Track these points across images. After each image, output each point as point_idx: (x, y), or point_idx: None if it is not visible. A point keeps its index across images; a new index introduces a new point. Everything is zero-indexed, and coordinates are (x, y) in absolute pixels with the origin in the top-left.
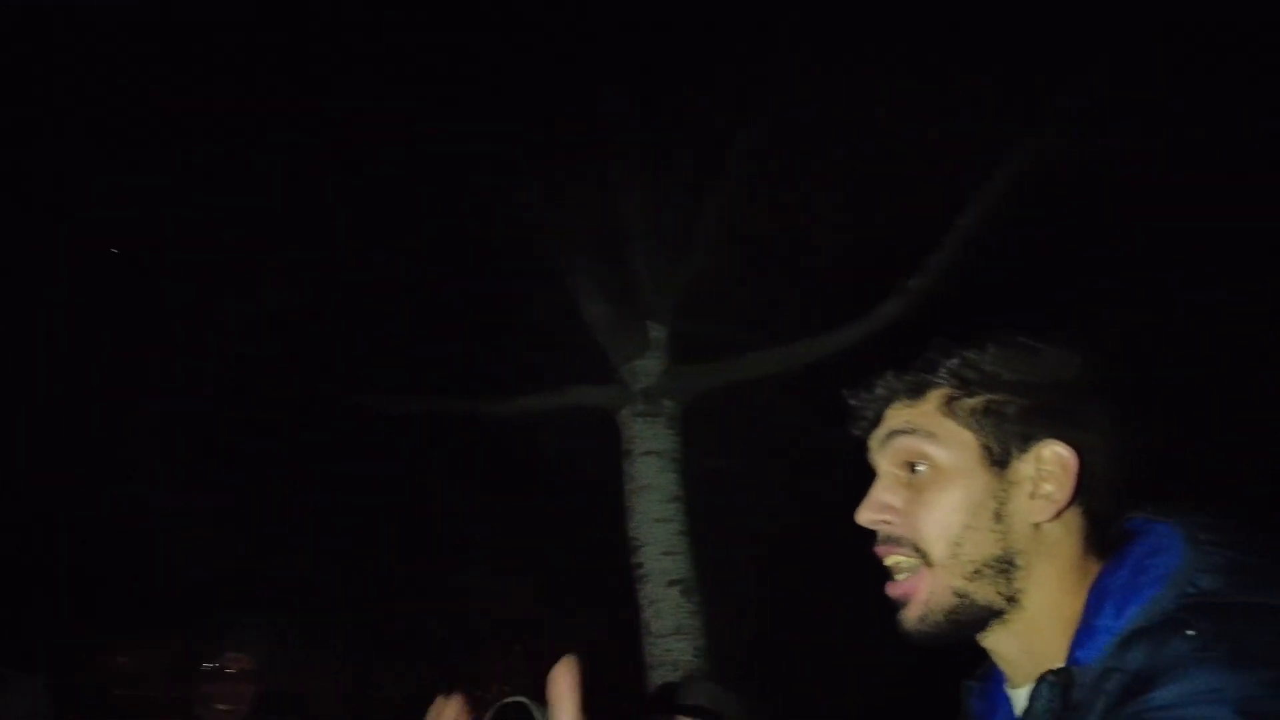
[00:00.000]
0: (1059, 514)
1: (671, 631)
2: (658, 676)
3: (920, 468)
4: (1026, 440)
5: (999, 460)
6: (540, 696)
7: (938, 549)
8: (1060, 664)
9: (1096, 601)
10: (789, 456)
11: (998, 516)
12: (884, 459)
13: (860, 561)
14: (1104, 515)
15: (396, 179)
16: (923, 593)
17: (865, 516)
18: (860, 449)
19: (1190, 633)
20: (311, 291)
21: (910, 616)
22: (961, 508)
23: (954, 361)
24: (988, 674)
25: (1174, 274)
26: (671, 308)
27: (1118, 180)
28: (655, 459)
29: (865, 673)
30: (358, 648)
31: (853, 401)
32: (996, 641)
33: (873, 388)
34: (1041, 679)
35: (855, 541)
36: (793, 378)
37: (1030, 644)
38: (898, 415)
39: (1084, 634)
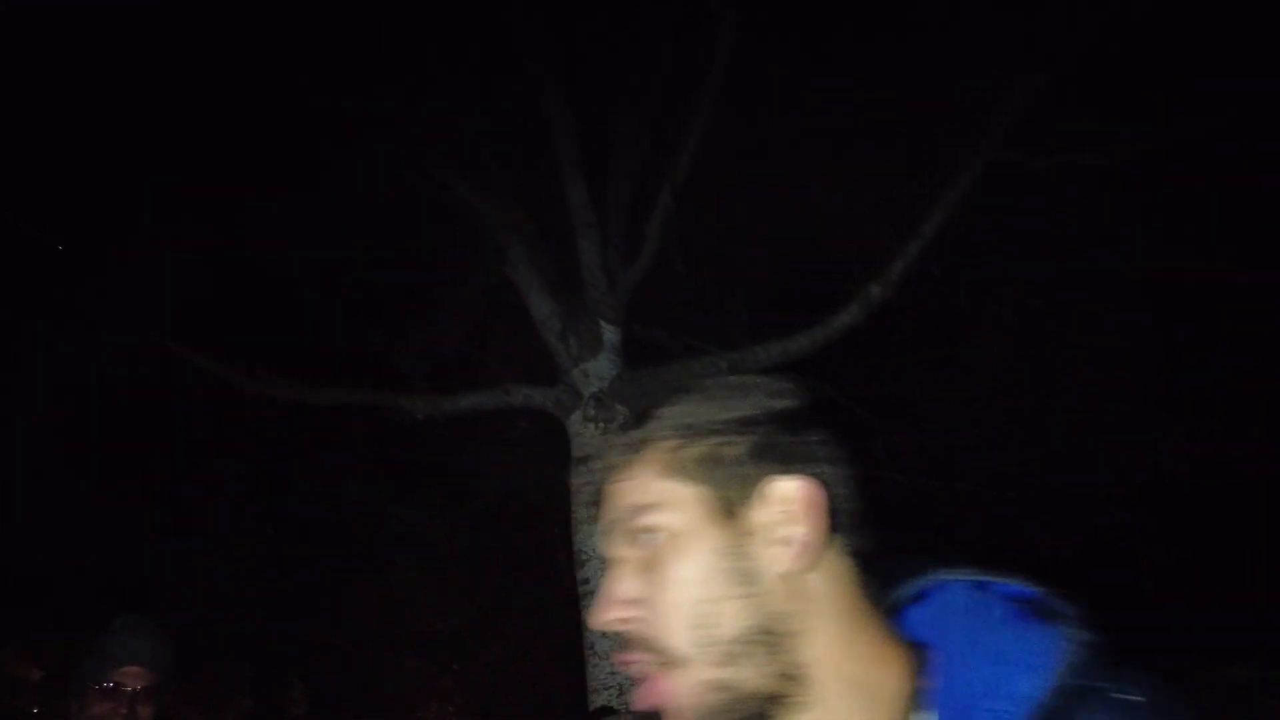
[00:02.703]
0: (811, 558)
1: (617, 652)
2: (600, 700)
3: (652, 542)
4: (758, 482)
5: (733, 511)
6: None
7: (681, 638)
8: None
9: (958, 675)
10: None
11: (746, 578)
12: (613, 545)
13: None
14: (863, 557)
15: (333, 163)
16: (677, 695)
17: (600, 619)
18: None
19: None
20: (229, 277)
21: None
22: (700, 578)
23: (677, 409)
24: None
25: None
26: (623, 308)
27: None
28: None
29: None
30: (267, 663)
31: (577, 480)
32: None
33: (604, 457)
34: None
35: None
36: None
37: None
38: (623, 489)
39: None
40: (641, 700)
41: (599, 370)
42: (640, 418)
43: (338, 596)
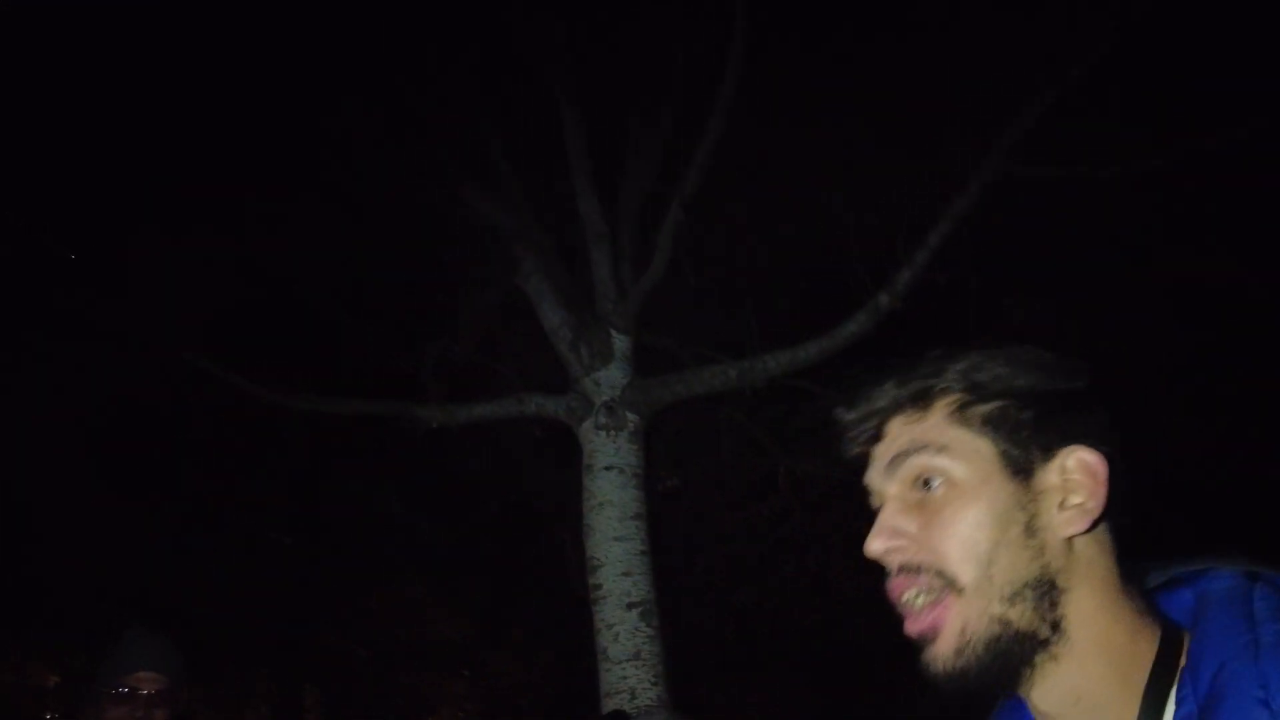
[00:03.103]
0: (1093, 527)
1: (629, 657)
2: (613, 704)
3: (934, 484)
4: (1047, 449)
5: (1022, 469)
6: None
7: (967, 570)
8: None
9: (1226, 667)
10: (745, 478)
11: (1029, 531)
12: (890, 481)
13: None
14: (1127, 532)
15: (345, 178)
16: (954, 622)
17: (877, 545)
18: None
19: None
20: (246, 289)
21: (943, 652)
22: (988, 523)
23: (963, 365)
24: None
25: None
26: (633, 318)
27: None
28: (616, 474)
29: (832, 704)
30: (282, 670)
31: (850, 415)
32: (1043, 688)
33: (873, 398)
34: None
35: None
36: (752, 397)
37: (1081, 686)
38: (902, 430)
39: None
40: (914, 626)
41: (610, 378)
42: (917, 366)
43: (351, 604)
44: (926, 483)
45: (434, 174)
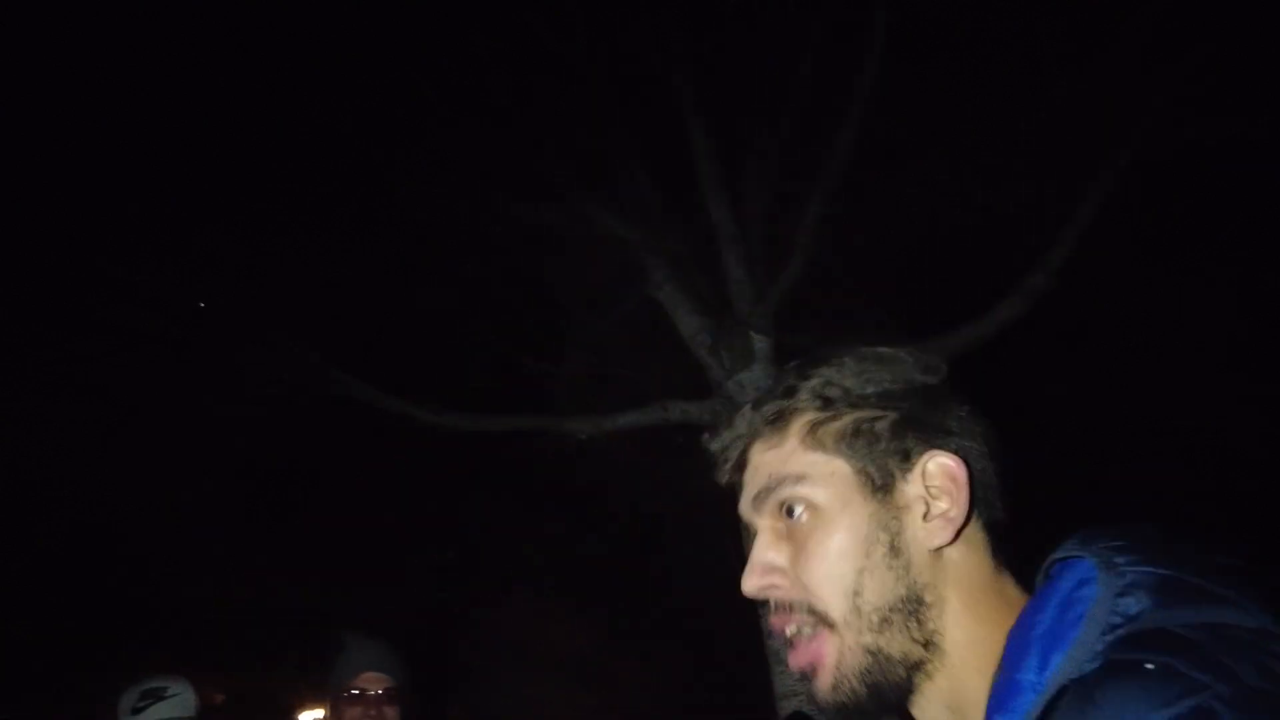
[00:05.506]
0: (959, 533)
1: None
2: (790, 706)
3: (798, 512)
4: (906, 457)
5: (881, 485)
6: None
7: (835, 604)
8: None
9: (1018, 649)
10: None
11: (894, 550)
12: (758, 515)
13: None
14: (1003, 528)
15: (470, 190)
16: (830, 657)
17: (751, 585)
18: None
19: (1145, 666)
20: (379, 307)
21: (823, 687)
22: (851, 550)
23: (814, 382)
24: None
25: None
26: (771, 317)
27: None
28: None
29: None
30: (420, 682)
31: (714, 444)
32: (921, 705)
33: (734, 425)
34: None
35: None
36: None
37: (955, 695)
38: (763, 457)
39: (1004, 690)
40: (795, 661)
41: (754, 379)
42: (780, 387)
43: (483, 617)
44: (790, 511)
45: (560, 191)
